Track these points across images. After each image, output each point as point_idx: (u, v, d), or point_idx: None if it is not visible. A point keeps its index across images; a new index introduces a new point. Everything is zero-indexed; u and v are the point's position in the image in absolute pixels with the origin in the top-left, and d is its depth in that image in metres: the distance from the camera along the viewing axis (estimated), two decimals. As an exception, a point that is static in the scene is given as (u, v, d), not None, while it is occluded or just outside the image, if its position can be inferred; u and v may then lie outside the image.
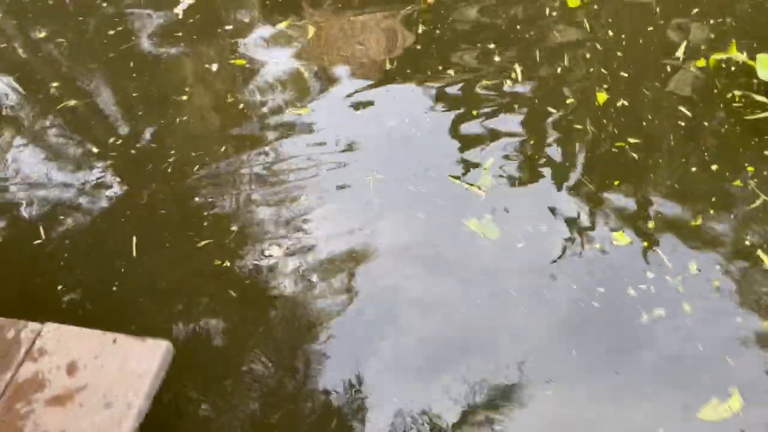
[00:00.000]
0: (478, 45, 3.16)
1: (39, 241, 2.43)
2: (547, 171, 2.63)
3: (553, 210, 2.49)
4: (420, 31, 3.23)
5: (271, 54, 3.10)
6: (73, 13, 3.28)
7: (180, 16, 3.25)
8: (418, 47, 3.16)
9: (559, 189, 2.56)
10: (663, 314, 2.16)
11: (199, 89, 2.94)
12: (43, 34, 3.17)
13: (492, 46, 3.15)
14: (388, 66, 3.07)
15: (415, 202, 2.52)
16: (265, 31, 3.22)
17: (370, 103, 2.90)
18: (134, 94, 2.91)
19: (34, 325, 1.79)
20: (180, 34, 3.17)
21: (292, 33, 3.21)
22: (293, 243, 2.40)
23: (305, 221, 2.47)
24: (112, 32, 3.16)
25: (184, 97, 2.88)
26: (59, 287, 2.30)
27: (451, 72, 3.03)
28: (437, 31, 3.23)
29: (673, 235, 2.38)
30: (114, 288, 2.29)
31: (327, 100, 2.91)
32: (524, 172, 2.63)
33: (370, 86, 2.98)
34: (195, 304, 2.24)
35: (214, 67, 3.02)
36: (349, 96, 2.93)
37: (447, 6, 3.36)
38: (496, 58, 3.09)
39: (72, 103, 2.88)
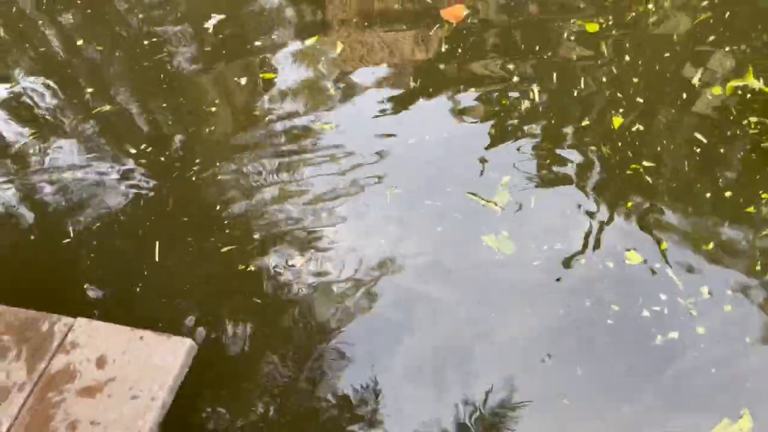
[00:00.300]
0: (498, 65, 3.24)
1: (68, 240, 2.52)
2: (561, 190, 2.69)
3: (567, 228, 2.55)
4: (443, 50, 3.32)
5: (298, 68, 3.21)
6: (111, 23, 3.41)
7: (210, 30, 3.37)
8: (441, 66, 3.25)
9: (574, 208, 2.62)
10: (676, 336, 2.20)
11: (227, 101, 3.04)
12: (81, 42, 3.30)
13: (511, 66, 3.23)
14: (411, 84, 3.16)
15: (432, 216, 2.59)
16: (293, 46, 3.33)
17: (392, 120, 2.98)
18: (163, 104, 3.01)
19: (67, 320, 1.87)
20: (209, 48, 3.29)
21: (321, 48, 3.32)
22: (314, 252, 2.47)
23: (326, 231, 2.54)
24: (146, 42, 3.28)
25: (213, 109, 2.99)
26: (85, 285, 2.38)
27: (471, 91, 3.12)
28: (459, 51, 3.32)
29: (685, 258, 2.43)
30: (138, 289, 2.37)
31: (351, 115, 3.00)
32: (540, 191, 2.69)
33: (393, 103, 3.06)
34: (217, 306, 2.32)
35: (243, 80, 3.13)
36: (372, 112, 3.02)
37: (469, 27, 3.46)
38: (515, 79, 3.17)
39: (106, 108, 3.00)
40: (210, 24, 3.39)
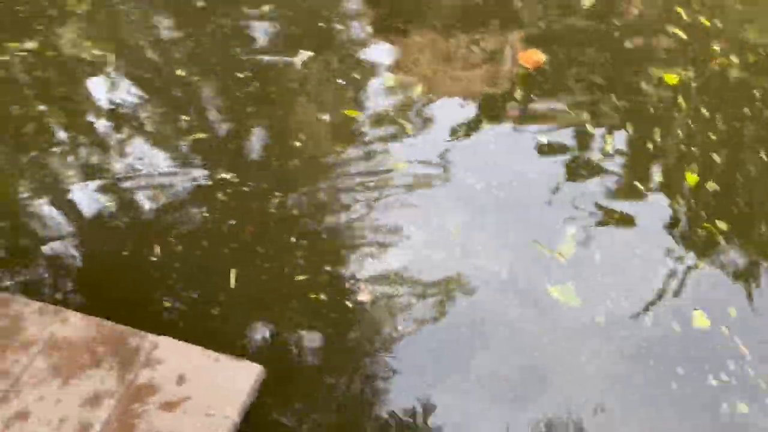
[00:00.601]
0: (572, 112, 3.28)
1: (154, 259, 2.72)
2: (629, 245, 2.69)
3: (633, 284, 2.55)
4: (518, 94, 3.39)
5: (379, 107, 3.34)
6: (208, 55, 3.66)
7: (298, 66, 3.56)
8: (514, 111, 3.31)
9: (641, 264, 2.62)
10: (744, 409, 2.16)
11: (311, 137, 3.20)
12: (183, 73, 3.55)
13: (585, 115, 3.27)
14: (486, 127, 3.24)
15: (496, 262, 2.65)
16: (376, 85, 3.47)
17: (464, 160, 3.07)
18: (249, 138, 3.20)
19: (153, 337, 2.04)
20: (297, 85, 3.47)
21: (401, 87, 3.46)
22: (380, 288, 2.58)
23: (393, 270, 2.65)
24: (240, 75, 3.51)
25: (297, 143, 3.15)
26: (166, 304, 2.57)
27: (542, 137, 3.17)
28: (532, 96, 3.39)
29: (755, 326, 2.38)
30: (214, 312, 2.53)
31: (425, 153, 3.11)
32: (606, 244, 2.70)
33: (465, 144, 3.16)
34: (288, 333, 2.45)
35: (327, 116, 3.29)
36: (445, 152, 3.12)
37: (545, 72, 3.51)
38: (589, 128, 3.20)
39: (199, 136, 3.21)
40: (298, 60, 3.59)
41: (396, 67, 3.59)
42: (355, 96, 3.41)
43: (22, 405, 1.87)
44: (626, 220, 2.79)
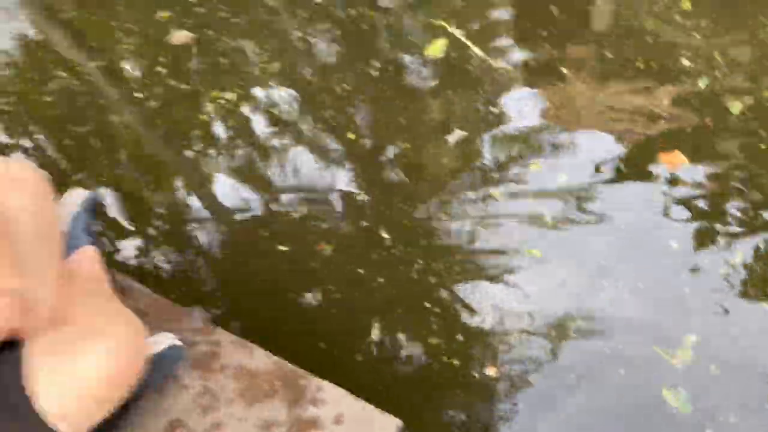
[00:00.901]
0: (701, 221, 3.44)
1: (315, 304, 3.21)
2: (749, 360, 2.83)
3: (748, 400, 2.69)
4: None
5: (521, 198, 3.67)
6: (369, 127, 4.17)
7: (449, 144, 3.97)
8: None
9: (758, 380, 2.75)
10: None
11: (455, 216, 3.58)
12: (353, 135, 4.08)
13: (717, 226, 3.41)
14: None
15: (612, 358, 2.88)
16: (520, 171, 3.80)
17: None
18: (404, 208, 3.64)
19: (317, 380, 2.50)
20: (447, 160, 3.88)
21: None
22: (506, 364, 2.91)
23: (515, 342, 2.97)
24: (397, 150, 3.98)
25: (444, 217, 3.56)
26: (321, 344, 3.04)
27: (676, 225, 3.35)
28: (670, 208, 3.57)
29: None
30: (358, 358, 2.97)
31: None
32: (724, 360, 2.85)
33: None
34: (422, 390, 2.84)
35: (472, 194, 3.67)
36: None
37: (681, 171, 3.69)
38: (720, 242, 3.35)
39: (363, 197, 3.70)
40: (451, 138, 4.00)
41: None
42: (500, 172, 3.75)
43: (218, 418, 2.39)
44: (750, 332, 2.92)
